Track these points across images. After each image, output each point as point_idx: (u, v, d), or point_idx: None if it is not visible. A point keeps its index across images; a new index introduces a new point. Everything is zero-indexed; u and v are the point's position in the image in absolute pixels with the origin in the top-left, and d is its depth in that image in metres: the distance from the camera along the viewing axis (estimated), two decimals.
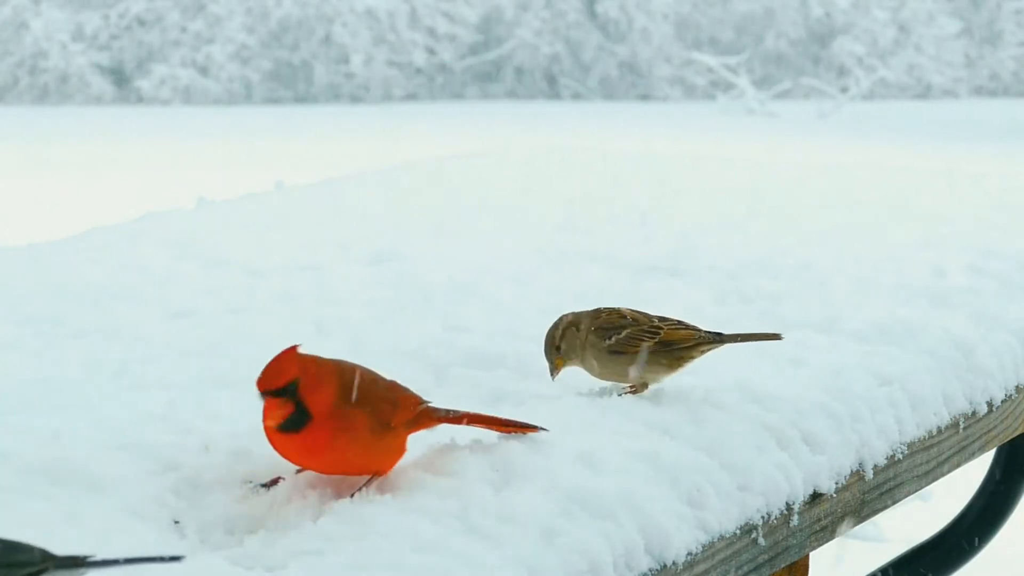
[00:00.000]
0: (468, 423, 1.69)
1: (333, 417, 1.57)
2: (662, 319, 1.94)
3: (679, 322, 1.94)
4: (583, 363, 1.93)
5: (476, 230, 3.10)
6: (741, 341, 1.94)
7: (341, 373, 1.61)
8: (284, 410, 1.56)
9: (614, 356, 1.90)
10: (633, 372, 1.89)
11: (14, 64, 26.61)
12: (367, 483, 1.60)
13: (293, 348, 1.61)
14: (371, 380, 1.63)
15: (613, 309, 1.95)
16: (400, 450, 1.63)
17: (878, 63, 28.79)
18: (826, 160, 4.65)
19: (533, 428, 1.72)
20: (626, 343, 1.89)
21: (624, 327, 1.91)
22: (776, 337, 1.94)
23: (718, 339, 1.93)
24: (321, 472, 1.61)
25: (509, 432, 1.71)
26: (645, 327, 1.91)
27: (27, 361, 2.10)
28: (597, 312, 1.95)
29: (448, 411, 1.68)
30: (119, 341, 2.19)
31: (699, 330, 1.92)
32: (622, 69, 28.93)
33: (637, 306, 1.98)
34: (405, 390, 1.66)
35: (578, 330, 1.92)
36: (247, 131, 20.47)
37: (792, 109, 25.49)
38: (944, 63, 29.46)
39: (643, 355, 1.89)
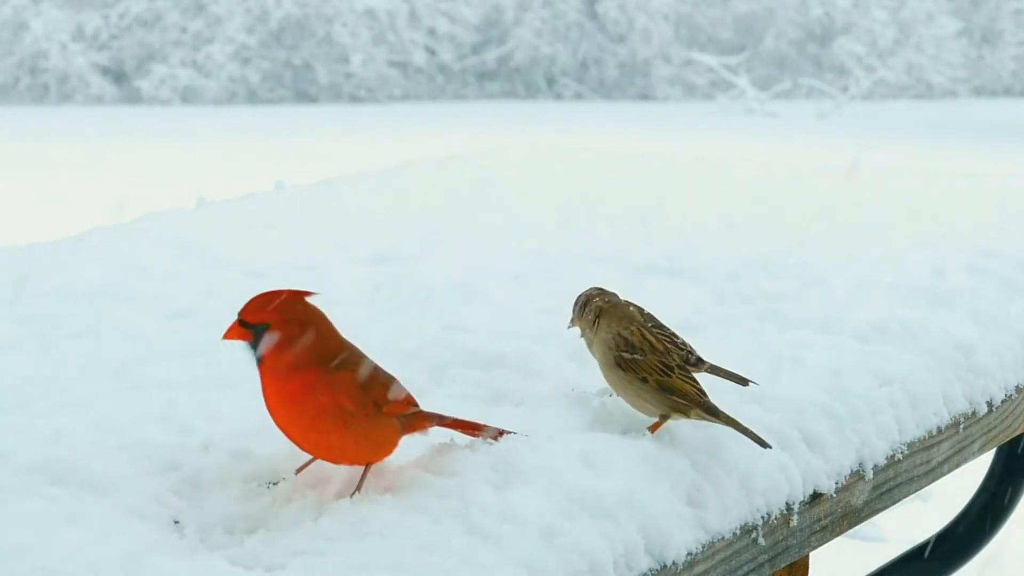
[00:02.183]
0: (453, 427, 1.69)
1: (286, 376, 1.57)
2: (683, 368, 1.82)
3: (692, 377, 1.83)
4: (591, 345, 1.89)
5: (476, 230, 3.09)
6: (731, 427, 1.80)
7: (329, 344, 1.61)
8: (240, 337, 1.59)
9: (617, 368, 1.82)
10: (630, 398, 1.82)
11: (14, 64, 26.61)
12: (362, 477, 1.59)
13: (298, 295, 1.61)
14: (373, 367, 1.64)
15: (648, 327, 1.85)
16: (389, 444, 1.63)
17: (878, 63, 28.80)
18: (826, 160, 4.64)
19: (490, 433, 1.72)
20: (633, 365, 1.81)
21: (641, 351, 1.81)
22: (765, 445, 1.79)
23: (711, 413, 1.79)
24: (297, 440, 1.60)
25: (479, 435, 1.71)
26: (658, 365, 1.81)
27: (27, 361, 2.10)
28: (632, 320, 1.85)
29: (440, 416, 1.68)
30: (119, 341, 2.19)
31: (702, 394, 1.81)
32: (622, 69, 28.92)
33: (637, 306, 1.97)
34: (402, 387, 1.66)
35: (595, 322, 1.85)
36: (247, 131, 20.47)
37: (792, 109, 25.50)
38: (944, 63, 29.46)
39: (641, 388, 1.81)
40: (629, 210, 3.31)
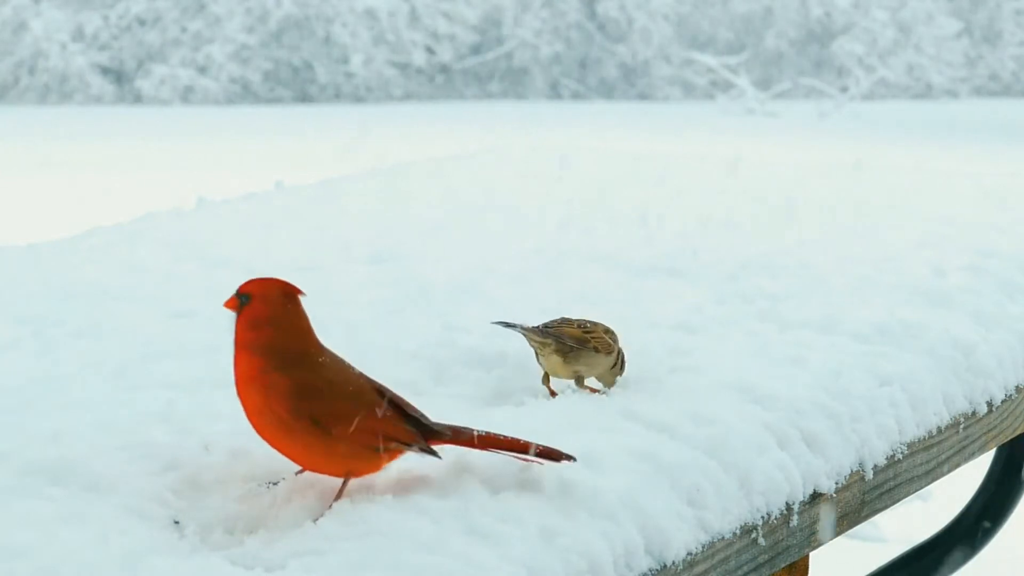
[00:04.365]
0: (480, 447, 1.60)
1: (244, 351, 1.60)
2: (586, 334, 1.94)
3: (562, 326, 1.94)
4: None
5: (476, 230, 3.10)
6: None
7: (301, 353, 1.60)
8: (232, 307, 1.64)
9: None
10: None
11: (14, 64, 26.61)
12: (340, 488, 1.58)
13: (286, 288, 1.63)
14: (328, 381, 1.59)
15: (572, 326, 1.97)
16: (354, 459, 1.57)
17: (878, 63, 28.80)
18: (826, 160, 4.64)
19: (563, 456, 1.61)
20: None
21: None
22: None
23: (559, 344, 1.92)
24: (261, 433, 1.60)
25: (530, 460, 1.61)
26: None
27: (27, 361, 2.10)
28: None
29: (454, 429, 1.61)
30: (119, 341, 2.19)
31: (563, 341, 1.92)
32: (622, 69, 28.93)
33: (637, 305, 1.98)
34: (377, 412, 1.59)
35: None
36: (247, 131, 20.47)
37: (792, 109, 25.49)
38: (944, 63, 29.46)
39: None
40: (629, 210, 3.31)
